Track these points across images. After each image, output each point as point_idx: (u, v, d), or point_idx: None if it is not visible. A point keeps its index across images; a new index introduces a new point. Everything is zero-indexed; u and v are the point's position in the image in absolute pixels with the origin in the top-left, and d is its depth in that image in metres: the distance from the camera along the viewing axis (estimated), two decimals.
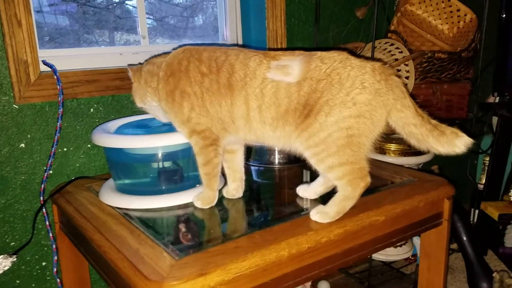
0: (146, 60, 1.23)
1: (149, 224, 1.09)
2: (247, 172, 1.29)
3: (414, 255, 2.18)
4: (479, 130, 2.65)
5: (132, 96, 1.23)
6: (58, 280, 1.44)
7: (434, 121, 1.05)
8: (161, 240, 0.98)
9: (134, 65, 1.25)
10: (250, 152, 1.56)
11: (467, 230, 1.97)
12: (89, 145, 1.49)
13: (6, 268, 1.35)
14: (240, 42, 1.91)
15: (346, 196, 1.04)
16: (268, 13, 1.81)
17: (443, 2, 1.93)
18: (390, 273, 2.11)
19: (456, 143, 1.02)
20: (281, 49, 1.81)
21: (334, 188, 1.07)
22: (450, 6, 1.92)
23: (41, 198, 1.40)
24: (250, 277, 0.88)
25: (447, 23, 1.96)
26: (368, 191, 1.10)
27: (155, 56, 1.22)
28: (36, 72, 1.35)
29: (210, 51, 1.12)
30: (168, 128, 1.21)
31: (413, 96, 1.08)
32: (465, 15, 1.91)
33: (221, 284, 0.84)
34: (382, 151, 1.93)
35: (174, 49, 1.18)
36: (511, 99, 2.23)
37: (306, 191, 1.21)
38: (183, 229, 1.08)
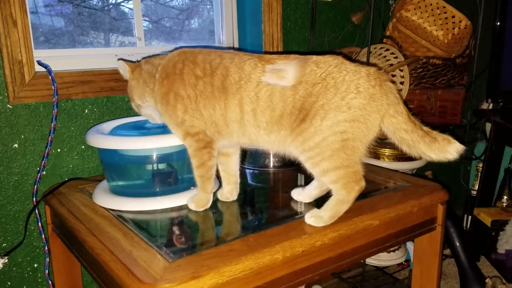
0: (143, 58, 1.22)
1: (142, 226, 1.08)
2: (242, 175, 1.29)
3: (407, 260, 2.18)
4: (473, 136, 2.67)
5: (130, 93, 1.21)
6: (50, 282, 1.43)
7: (426, 128, 1.06)
8: (155, 243, 0.97)
9: (128, 61, 1.23)
10: (245, 155, 1.56)
11: (460, 236, 1.98)
12: (83, 146, 1.48)
13: None
14: (236, 45, 1.91)
15: (341, 200, 1.04)
16: (264, 17, 1.81)
17: (438, 8, 1.94)
18: (383, 278, 2.11)
19: (449, 149, 1.03)
20: (277, 53, 1.82)
21: (329, 192, 1.07)
22: (445, 12, 1.94)
23: (34, 199, 1.39)
24: (243, 281, 0.88)
25: (442, 29, 1.98)
26: (362, 196, 1.10)
27: (153, 56, 1.21)
28: (30, 72, 1.35)
29: (205, 54, 1.12)
30: (163, 130, 1.21)
31: (406, 102, 1.08)
32: (460, 21, 1.92)
33: (214, 287, 0.83)
34: (376, 156, 1.94)
35: (170, 51, 1.18)
36: (505, 106, 2.25)
37: (301, 195, 1.21)
38: (177, 232, 1.08)
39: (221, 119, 1.08)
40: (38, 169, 1.40)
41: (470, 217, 2.35)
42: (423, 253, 1.32)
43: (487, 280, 1.97)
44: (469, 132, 2.13)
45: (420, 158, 1.08)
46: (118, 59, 1.22)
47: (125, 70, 1.20)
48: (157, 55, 1.22)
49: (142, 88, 1.18)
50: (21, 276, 1.42)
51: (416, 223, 1.22)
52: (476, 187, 2.45)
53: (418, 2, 1.97)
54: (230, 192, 1.23)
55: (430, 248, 1.29)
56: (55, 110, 1.38)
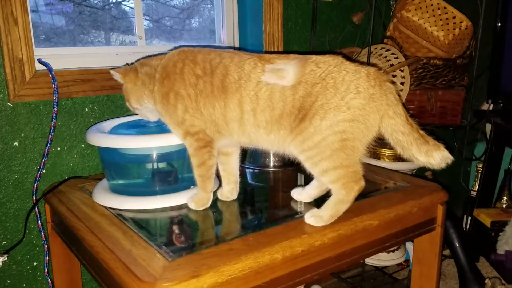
0: (137, 61, 1.22)
1: (142, 225, 1.08)
2: (242, 174, 1.29)
3: (407, 260, 2.19)
4: (473, 137, 2.67)
5: (126, 96, 1.20)
6: (49, 281, 1.43)
7: (421, 131, 1.05)
8: (154, 241, 0.97)
9: (117, 67, 1.22)
10: (245, 154, 1.56)
11: (459, 236, 1.98)
12: (83, 145, 1.48)
13: None
14: (237, 45, 1.91)
15: (340, 199, 1.04)
16: (265, 16, 1.81)
17: (439, 9, 1.94)
18: (383, 278, 2.12)
19: (434, 154, 1.02)
20: (278, 53, 1.82)
21: (329, 192, 1.07)
22: (446, 13, 1.93)
23: (34, 198, 1.39)
24: (243, 280, 0.88)
25: (442, 30, 1.98)
26: (362, 196, 1.10)
27: (149, 57, 1.21)
28: (31, 70, 1.35)
29: (204, 53, 1.12)
30: (163, 129, 1.21)
31: (406, 103, 1.08)
32: (461, 22, 1.92)
33: (214, 286, 0.83)
34: (376, 156, 1.94)
35: (169, 50, 1.17)
36: (505, 107, 2.25)
37: (301, 194, 1.21)
38: (177, 231, 1.08)
39: (221, 118, 1.08)
40: (38, 167, 1.40)
41: (469, 218, 2.35)
42: (422, 254, 1.32)
43: (486, 281, 1.97)
44: (469, 133, 2.13)
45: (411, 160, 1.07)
46: (110, 69, 1.21)
47: (117, 77, 1.20)
48: (153, 56, 1.22)
49: (141, 90, 1.17)
50: (20, 274, 1.42)
51: (416, 223, 1.22)
52: (476, 188, 2.45)
53: (419, 3, 1.97)
54: (230, 191, 1.23)
55: (430, 249, 1.29)
56: (56, 109, 1.38)
